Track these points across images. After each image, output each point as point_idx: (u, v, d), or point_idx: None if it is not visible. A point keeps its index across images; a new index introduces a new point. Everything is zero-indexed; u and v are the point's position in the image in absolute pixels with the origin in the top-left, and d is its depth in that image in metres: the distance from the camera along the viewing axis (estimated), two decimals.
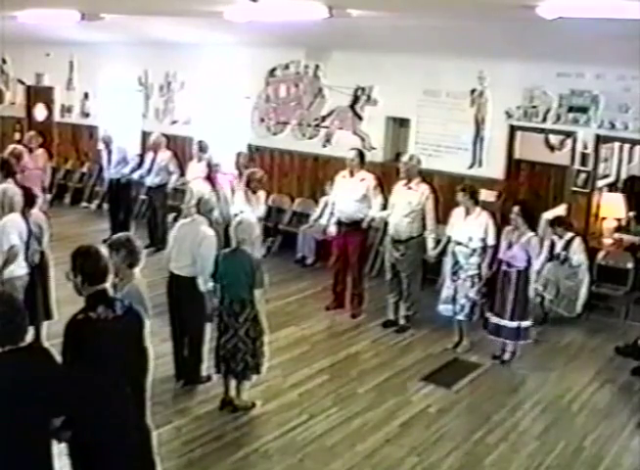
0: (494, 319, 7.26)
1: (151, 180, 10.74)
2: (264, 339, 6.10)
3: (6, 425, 3.33)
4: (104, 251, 4.03)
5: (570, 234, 8.47)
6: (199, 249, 6.32)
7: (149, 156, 10.87)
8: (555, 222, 8.56)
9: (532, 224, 7.27)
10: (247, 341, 5.97)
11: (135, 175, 10.95)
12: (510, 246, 7.11)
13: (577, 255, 8.40)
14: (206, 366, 6.54)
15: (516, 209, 7.16)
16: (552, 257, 8.41)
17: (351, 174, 8.37)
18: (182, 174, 10.77)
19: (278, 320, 7.72)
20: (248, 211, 7.90)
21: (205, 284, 6.28)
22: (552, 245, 8.44)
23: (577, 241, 8.43)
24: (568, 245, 8.41)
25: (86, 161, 13.68)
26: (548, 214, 9.04)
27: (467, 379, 7.02)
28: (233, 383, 6.17)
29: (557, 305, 8.42)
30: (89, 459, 3.78)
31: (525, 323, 7.21)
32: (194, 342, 6.55)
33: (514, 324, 7.16)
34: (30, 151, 10.60)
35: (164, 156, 10.78)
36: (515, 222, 7.13)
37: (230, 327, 5.98)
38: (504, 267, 7.20)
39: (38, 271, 6.69)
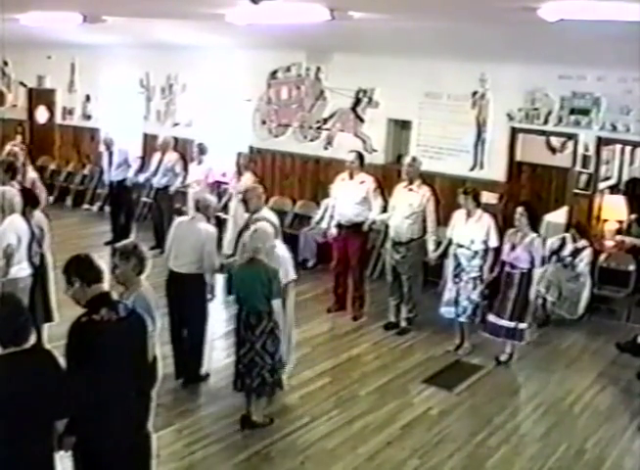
0: (492, 318, 7.28)
1: (157, 181, 10.73)
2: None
3: (8, 427, 3.33)
4: (94, 255, 4.02)
5: (583, 242, 8.46)
6: (204, 247, 6.40)
7: (156, 156, 10.85)
8: (576, 225, 8.59)
9: (535, 226, 7.27)
10: (264, 355, 5.74)
11: (141, 177, 10.96)
12: (513, 247, 7.11)
13: (583, 263, 8.41)
14: (207, 361, 6.59)
15: (520, 209, 7.17)
16: (558, 258, 8.42)
17: (351, 177, 8.37)
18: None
19: None
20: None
21: (211, 278, 6.49)
22: (561, 244, 8.44)
23: (588, 252, 8.44)
24: (577, 252, 8.42)
25: (88, 163, 13.68)
26: (550, 217, 9.04)
27: (468, 381, 7.02)
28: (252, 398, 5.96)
29: (559, 308, 8.42)
30: (92, 462, 3.78)
31: (522, 325, 7.20)
32: (195, 340, 6.56)
33: (512, 324, 7.17)
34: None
35: (172, 157, 10.77)
36: (519, 222, 7.13)
37: (247, 340, 5.76)
38: (507, 269, 7.20)
39: (38, 273, 6.66)
